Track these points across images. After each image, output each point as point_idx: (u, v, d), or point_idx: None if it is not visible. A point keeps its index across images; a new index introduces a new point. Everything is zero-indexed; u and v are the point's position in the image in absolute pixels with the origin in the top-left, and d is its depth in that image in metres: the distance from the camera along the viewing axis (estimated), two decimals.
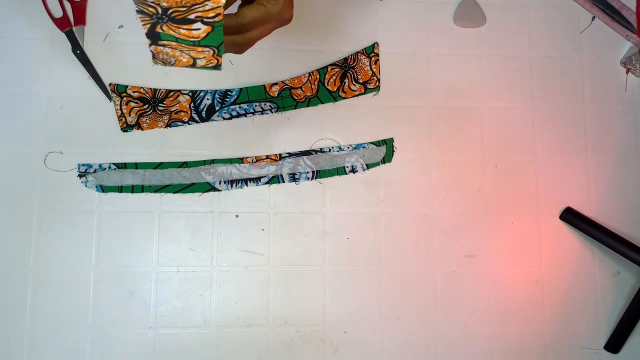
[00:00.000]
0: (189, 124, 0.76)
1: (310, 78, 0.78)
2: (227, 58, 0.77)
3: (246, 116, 0.77)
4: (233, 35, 0.51)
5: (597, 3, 0.83)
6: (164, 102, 0.76)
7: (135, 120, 0.75)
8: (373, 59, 0.79)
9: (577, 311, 0.78)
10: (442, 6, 0.82)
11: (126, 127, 0.75)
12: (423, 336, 0.76)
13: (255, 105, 0.76)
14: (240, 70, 0.77)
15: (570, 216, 0.79)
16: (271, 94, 0.77)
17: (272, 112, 0.77)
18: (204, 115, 0.76)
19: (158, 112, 0.75)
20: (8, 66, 0.75)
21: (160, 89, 0.76)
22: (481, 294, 0.77)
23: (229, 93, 0.76)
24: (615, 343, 0.77)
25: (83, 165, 0.74)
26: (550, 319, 0.77)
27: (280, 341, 0.74)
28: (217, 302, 0.74)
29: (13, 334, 0.71)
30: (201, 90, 0.76)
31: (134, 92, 0.75)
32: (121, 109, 0.75)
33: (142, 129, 0.75)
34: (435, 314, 0.76)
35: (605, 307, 0.78)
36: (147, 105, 0.75)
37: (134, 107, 0.75)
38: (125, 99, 0.75)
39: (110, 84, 0.75)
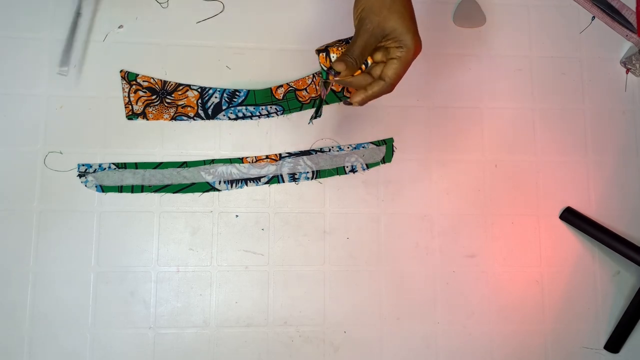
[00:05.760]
0: (194, 119, 0.76)
1: (314, 79, 0.78)
2: (224, 63, 0.77)
3: (252, 119, 0.77)
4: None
5: (597, 3, 0.83)
6: (172, 95, 0.76)
7: (142, 109, 0.75)
8: None
9: (577, 311, 0.78)
10: (442, 6, 0.82)
11: (132, 115, 0.75)
12: (423, 336, 0.76)
13: (262, 109, 0.76)
14: (247, 71, 0.77)
15: (570, 216, 0.79)
16: (277, 97, 0.77)
17: (277, 114, 0.77)
18: (210, 112, 0.76)
19: (165, 104, 0.75)
20: (8, 66, 0.75)
21: (170, 82, 0.76)
22: (481, 294, 0.77)
23: (237, 94, 0.76)
24: (615, 343, 0.77)
25: (83, 165, 0.74)
26: (550, 319, 0.77)
27: (280, 341, 0.74)
28: (217, 302, 0.74)
29: (13, 334, 0.71)
30: (210, 88, 0.76)
31: (143, 81, 0.75)
32: (129, 97, 0.75)
33: (147, 119, 0.75)
34: (435, 314, 0.76)
35: (605, 307, 0.78)
36: (155, 96, 0.75)
37: (142, 97, 0.75)
38: (134, 87, 0.75)
39: (121, 71, 0.75)
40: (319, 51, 0.56)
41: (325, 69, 0.56)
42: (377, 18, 0.53)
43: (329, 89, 0.61)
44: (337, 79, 0.55)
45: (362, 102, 0.57)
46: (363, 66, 0.56)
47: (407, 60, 0.55)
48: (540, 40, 0.83)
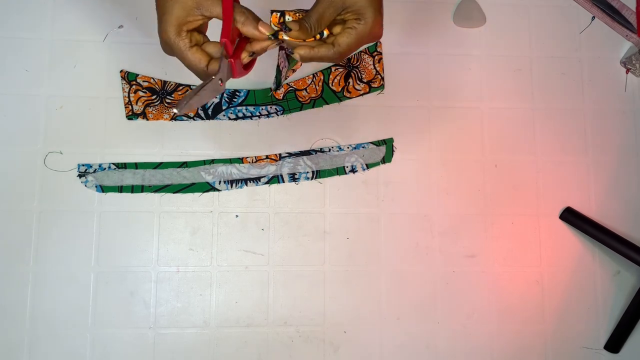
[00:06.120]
0: (194, 119, 0.76)
1: (314, 79, 0.78)
2: None
3: (252, 119, 0.77)
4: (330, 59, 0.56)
5: (597, 3, 0.83)
6: (172, 95, 0.76)
7: (142, 109, 0.75)
8: (376, 57, 0.79)
9: (577, 311, 0.78)
10: (442, 6, 0.82)
11: (131, 115, 0.75)
12: (423, 336, 0.76)
13: (262, 109, 0.76)
14: None
15: (570, 216, 0.79)
16: (277, 97, 0.77)
17: (277, 115, 0.77)
18: (210, 112, 0.76)
19: (165, 104, 0.75)
20: (8, 66, 0.75)
21: (170, 82, 0.76)
22: (481, 294, 0.77)
23: (237, 94, 0.76)
24: (615, 343, 0.77)
25: (83, 165, 0.74)
26: (550, 319, 0.77)
27: (280, 341, 0.74)
28: (217, 302, 0.74)
29: (13, 334, 0.71)
30: None
31: (143, 81, 0.75)
32: (129, 97, 0.75)
33: (147, 119, 0.75)
34: (435, 314, 0.76)
35: (605, 307, 0.78)
36: (155, 96, 0.75)
37: (142, 97, 0.75)
38: (134, 87, 0.75)
39: (121, 71, 0.75)
40: (274, 11, 0.55)
41: (276, 28, 0.55)
42: None
43: (292, 68, 0.60)
44: (286, 38, 0.54)
45: (304, 58, 0.55)
46: (318, 35, 0.55)
47: (363, 34, 0.53)
48: (540, 40, 0.83)
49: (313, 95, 0.78)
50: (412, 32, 0.81)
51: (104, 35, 0.76)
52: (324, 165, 0.77)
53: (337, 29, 0.55)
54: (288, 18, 0.55)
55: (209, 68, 0.54)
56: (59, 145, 0.74)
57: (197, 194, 0.75)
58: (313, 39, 0.55)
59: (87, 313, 0.72)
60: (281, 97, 0.77)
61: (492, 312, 0.77)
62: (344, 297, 0.75)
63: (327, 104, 0.78)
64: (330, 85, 0.78)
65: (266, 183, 0.76)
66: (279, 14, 0.55)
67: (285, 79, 0.67)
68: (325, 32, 0.55)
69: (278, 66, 0.62)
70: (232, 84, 0.76)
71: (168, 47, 0.53)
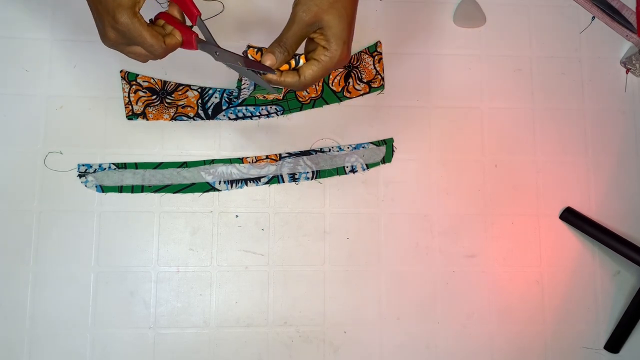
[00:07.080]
0: (194, 119, 0.76)
1: None
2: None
3: (252, 119, 0.77)
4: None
5: (597, 3, 0.83)
6: (172, 95, 0.76)
7: (142, 109, 0.75)
8: (376, 57, 0.79)
9: (577, 311, 0.78)
10: (442, 6, 0.82)
11: (132, 115, 0.75)
12: (423, 336, 0.76)
13: (262, 109, 0.76)
14: None
15: (570, 216, 0.79)
16: (277, 97, 0.77)
17: (277, 115, 0.77)
18: (210, 112, 0.76)
19: (165, 104, 0.75)
20: (8, 66, 0.75)
21: (170, 82, 0.76)
22: (481, 294, 0.77)
23: None
24: (615, 343, 0.77)
25: (83, 165, 0.74)
26: (550, 319, 0.77)
27: (280, 341, 0.74)
28: (217, 302, 0.74)
29: (13, 334, 0.71)
30: (210, 88, 0.76)
31: (144, 81, 0.75)
32: (129, 97, 0.75)
33: (148, 119, 0.75)
34: (435, 314, 0.76)
35: (605, 307, 0.78)
36: (155, 96, 0.75)
37: (142, 97, 0.75)
38: (134, 87, 0.75)
39: (121, 71, 0.75)
40: (251, 47, 0.56)
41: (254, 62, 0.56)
42: (316, 8, 0.51)
43: (260, 94, 0.64)
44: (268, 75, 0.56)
45: (271, 82, 0.56)
46: (293, 62, 0.56)
47: (328, 67, 0.54)
48: (540, 40, 0.83)
49: (313, 95, 0.78)
50: (412, 32, 0.81)
51: None
52: (324, 165, 0.77)
53: (310, 47, 0.56)
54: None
55: (166, 42, 0.53)
56: (59, 145, 0.74)
57: (197, 194, 0.75)
58: (287, 65, 0.55)
59: (87, 313, 0.72)
60: (281, 97, 0.77)
61: (492, 312, 0.77)
62: (344, 297, 0.75)
63: (327, 104, 0.78)
64: (330, 85, 0.78)
65: (266, 183, 0.76)
66: (256, 49, 0.56)
67: (252, 97, 0.68)
68: (302, 61, 0.56)
69: (239, 79, 0.63)
70: (231, 84, 0.76)
71: (120, 35, 0.51)
